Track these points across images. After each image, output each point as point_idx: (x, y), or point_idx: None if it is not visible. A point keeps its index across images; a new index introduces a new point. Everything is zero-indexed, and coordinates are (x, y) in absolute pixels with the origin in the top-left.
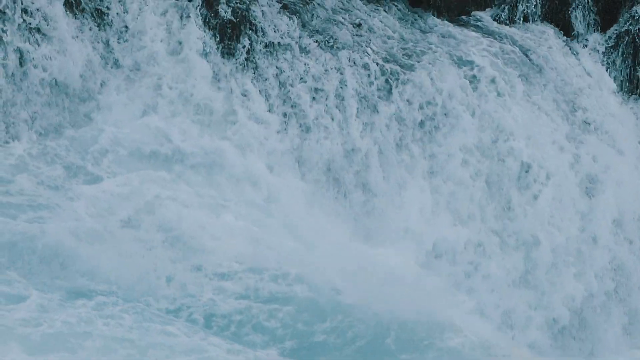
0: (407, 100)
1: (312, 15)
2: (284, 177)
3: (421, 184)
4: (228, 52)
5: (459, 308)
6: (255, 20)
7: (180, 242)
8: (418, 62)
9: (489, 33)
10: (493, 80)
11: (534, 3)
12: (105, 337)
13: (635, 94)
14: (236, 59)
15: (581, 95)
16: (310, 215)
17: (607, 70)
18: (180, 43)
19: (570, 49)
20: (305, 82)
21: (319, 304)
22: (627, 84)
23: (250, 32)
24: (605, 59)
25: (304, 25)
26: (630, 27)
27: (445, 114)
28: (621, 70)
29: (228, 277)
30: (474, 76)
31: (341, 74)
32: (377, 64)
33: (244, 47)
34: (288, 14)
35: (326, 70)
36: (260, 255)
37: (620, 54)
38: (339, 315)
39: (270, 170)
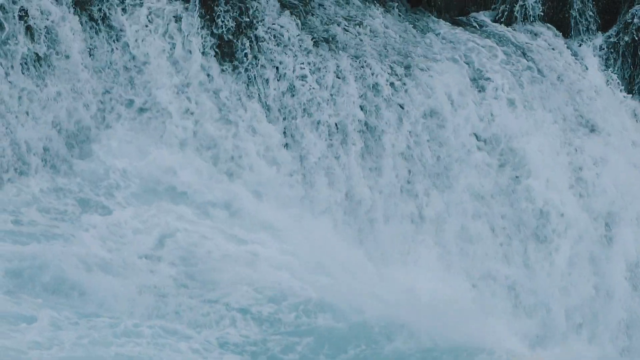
0: (417, 135)
1: (313, 19)
2: (296, 212)
3: (429, 238)
4: (231, 73)
5: (488, 330)
6: (258, 38)
7: (194, 273)
8: (430, 76)
9: (497, 39)
10: (512, 102)
11: (534, 3)
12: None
13: (636, 95)
14: (236, 78)
15: (601, 119)
16: (331, 247)
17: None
18: (187, 74)
19: (580, 58)
20: (311, 115)
21: (341, 334)
22: (627, 84)
23: (252, 49)
24: (605, 61)
25: (306, 29)
26: (630, 27)
27: (457, 149)
28: (621, 71)
29: (246, 308)
30: (493, 94)
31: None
32: (391, 83)
33: (245, 65)
34: (290, 18)
35: (332, 95)
36: (279, 284)
37: (620, 54)
38: (362, 344)
39: (281, 204)
